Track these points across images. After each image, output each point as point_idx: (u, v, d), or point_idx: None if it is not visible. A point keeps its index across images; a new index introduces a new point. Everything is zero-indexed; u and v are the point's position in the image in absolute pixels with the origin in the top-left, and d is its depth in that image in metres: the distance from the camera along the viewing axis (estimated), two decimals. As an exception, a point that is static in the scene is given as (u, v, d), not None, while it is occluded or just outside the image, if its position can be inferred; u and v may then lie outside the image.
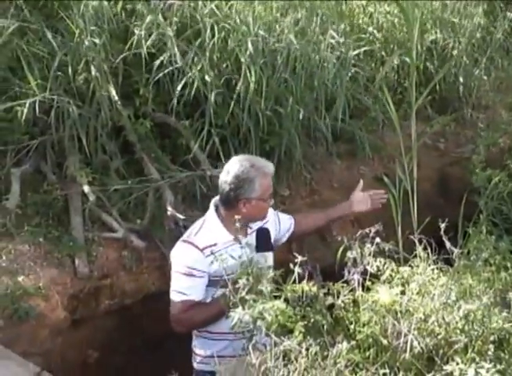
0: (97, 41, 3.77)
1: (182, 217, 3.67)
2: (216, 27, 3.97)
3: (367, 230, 2.35)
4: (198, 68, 3.86)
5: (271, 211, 2.95)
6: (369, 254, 2.20)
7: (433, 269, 2.22)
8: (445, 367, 1.88)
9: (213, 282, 2.71)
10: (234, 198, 2.72)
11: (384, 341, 1.97)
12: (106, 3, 3.91)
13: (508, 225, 4.00)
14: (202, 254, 2.70)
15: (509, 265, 2.31)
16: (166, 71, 3.90)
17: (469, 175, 4.43)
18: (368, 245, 2.23)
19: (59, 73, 3.75)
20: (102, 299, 3.66)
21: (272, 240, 2.95)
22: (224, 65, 4.04)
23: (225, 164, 2.79)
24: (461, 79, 5.19)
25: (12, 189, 3.65)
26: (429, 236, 2.46)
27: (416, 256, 2.32)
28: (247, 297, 2.02)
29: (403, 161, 3.51)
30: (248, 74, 3.88)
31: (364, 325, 2.03)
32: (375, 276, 2.19)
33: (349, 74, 4.50)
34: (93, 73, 3.75)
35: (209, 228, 2.79)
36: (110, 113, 3.83)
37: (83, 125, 3.78)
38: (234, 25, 3.99)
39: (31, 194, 3.73)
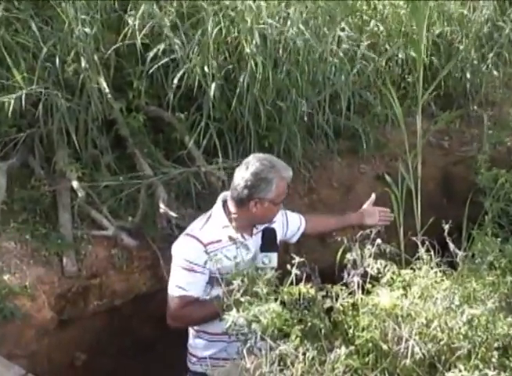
0: (88, 30, 3.75)
1: (175, 215, 3.66)
2: (219, 15, 3.95)
3: (368, 231, 2.36)
4: (198, 58, 3.84)
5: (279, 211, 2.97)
6: (370, 256, 2.20)
7: (436, 272, 2.23)
8: (447, 374, 1.88)
9: (214, 280, 2.71)
10: (247, 196, 2.74)
11: (384, 347, 1.97)
12: (98, -9, 3.91)
13: (514, 227, 4.00)
14: (205, 250, 2.71)
15: (514, 268, 2.32)
16: (162, 62, 3.88)
17: (474, 175, 4.44)
18: (368, 246, 2.23)
19: (48, 64, 3.73)
20: (91, 299, 3.65)
21: (278, 242, 2.98)
22: (223, 56, 4.02)
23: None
24: (468, 75, 5.18)
25: (-3, 183, 3.63)
26: (432, 237, 2.46)
27: (418, 258, 2.32)
28: (242, 299, 2.02)
29: (407, 159, 3.52)
30: (253, 66, 3.87)
31: (363, 329, 2.03)
32: (375, 279, 2.19)
33: (356, 69, 4.49)
34: (83, 64, 3.73)
35: (214, 224, 2.82)
36: (101, 106, 3.81)
37: (72, 118, 3.76)
38: (240, 12, 3.97)
39: (18, 189, 3.72)
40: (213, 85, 3.87)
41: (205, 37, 3.87)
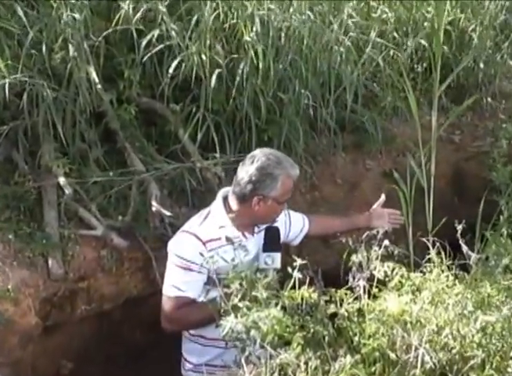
0: (77, 16, 3.73)
1: (168, 214, 3.65)
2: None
3: (374, 231, 2.35)
4: (195, 46, 3.83)
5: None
6: (377, 258, 2.20)
7: (447, 276, 2.22)
8: (459, 385, 1.88)
9: (213, 280, 2.70)
10: (250, 192, 2.74)
11: (392, 356, 1.97)
12: (88, -26, 3.89)
13: (531, 228, 4.00)
14: (204, 248, 2.71)
15: (531, 272, 2.31)
16: (156, 49, 3.87)
17: (487, 172, 4.43)
18: (375, 248, 2.23)
19: (33, 51, 3.71)
20: (79, 303, 3.64)
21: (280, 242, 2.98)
22: (221, 44, 4.01)
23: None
24: (481, 64, 5.17)
25: (-21, 179, 3.63)
26: (443, 238, 2.45)
27: (428, 261, 2.31)
28: (240, 304, 2.02)
29: (420, 155, 3.51)
30: (253, 55, 3.86)
31: (370, 337, 2.03)
32: (382, 283, 2.19)
33: (364, 58, 4.49)
34: (71, 52, 3.71)
35: (214, 221, 2.81)
36: (90, 97, 3.80)
37: (59, 110, 3.74)
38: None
39: (0, 186, 3.70)
40: (214, 75, 3.86)
41: (201, 24, 3.86)
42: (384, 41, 4.72)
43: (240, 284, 2.08)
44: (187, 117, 4.06)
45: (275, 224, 2.95)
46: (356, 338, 2.06)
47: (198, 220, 2.85)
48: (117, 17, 3.85)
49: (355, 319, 2.11)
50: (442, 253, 2.33)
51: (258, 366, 1.94)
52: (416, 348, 1.93)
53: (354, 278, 2.18)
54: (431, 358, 1.92)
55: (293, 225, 3.17)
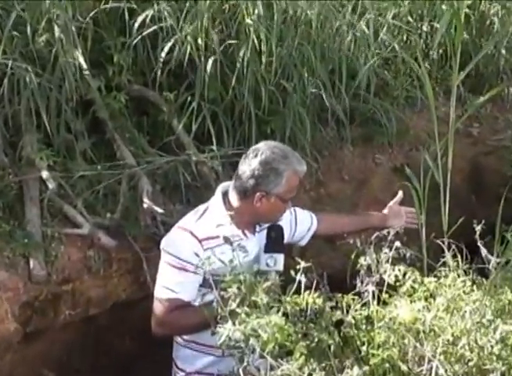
0: (63, -6, 3.74)
1: (160, 211, 3.66)
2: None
3: (385, 232, 2.35)
4: (190, 28, 3.82)
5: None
6: (387, 261, 2.19)
7: (464, 281, 2.21)
8: (476, 400, 1.88)
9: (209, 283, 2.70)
10: (252, 187, 2.74)
11: (403, 367, 1.97)
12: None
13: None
14: (200, 246, 2.70)
15: (556, 277, 2.31)
16: (149, 31, 3.85)
17: (508, 167, 4.43)
18: (385, 250, 2.22)
19: (15, 33, 3.71)
20: (62, 308, 3.64)
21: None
22: (220, 27, 4.01)
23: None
24: (503, 51, 5.16)
25: (-45, 173, 3.63)
26: (459, 240, 2.45)
27: (443, 264, 2.31)
28: (239, 309, 2.01)
29: (436, 148, 3.50)
30: (255, 40, 3.85)
31: (379, 347, 2.03)
32: (393, 288, 2.18)
33: (379, 42, 4.49)
34: (57, 34, 3.72)
35: (212, 217, 2.81)
36: (76, 83, 3.80)
37: (43, 97, 3.74)
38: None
39: (-22, 180, 3.72)
40: (210, 60, 3.85)
41: (198, 5, 3.86)
42: (400, 23, 4.71)
43: (239, 288, 2.07)
44: (181, 106, 4.06)
45: (279, 222, 2.94)
46: (364, 348, 2.06)
47: (194, 216, 2.85)
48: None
49: (363, 327, 2.11)
50: (458, 256, 2.32)
51: (258, 377, 1.94)
52: (430, 360, 1.94)
53: (362, 282, 2.18)
54: (446, 371, 1.92)
55: (300, 224, 3.15)
